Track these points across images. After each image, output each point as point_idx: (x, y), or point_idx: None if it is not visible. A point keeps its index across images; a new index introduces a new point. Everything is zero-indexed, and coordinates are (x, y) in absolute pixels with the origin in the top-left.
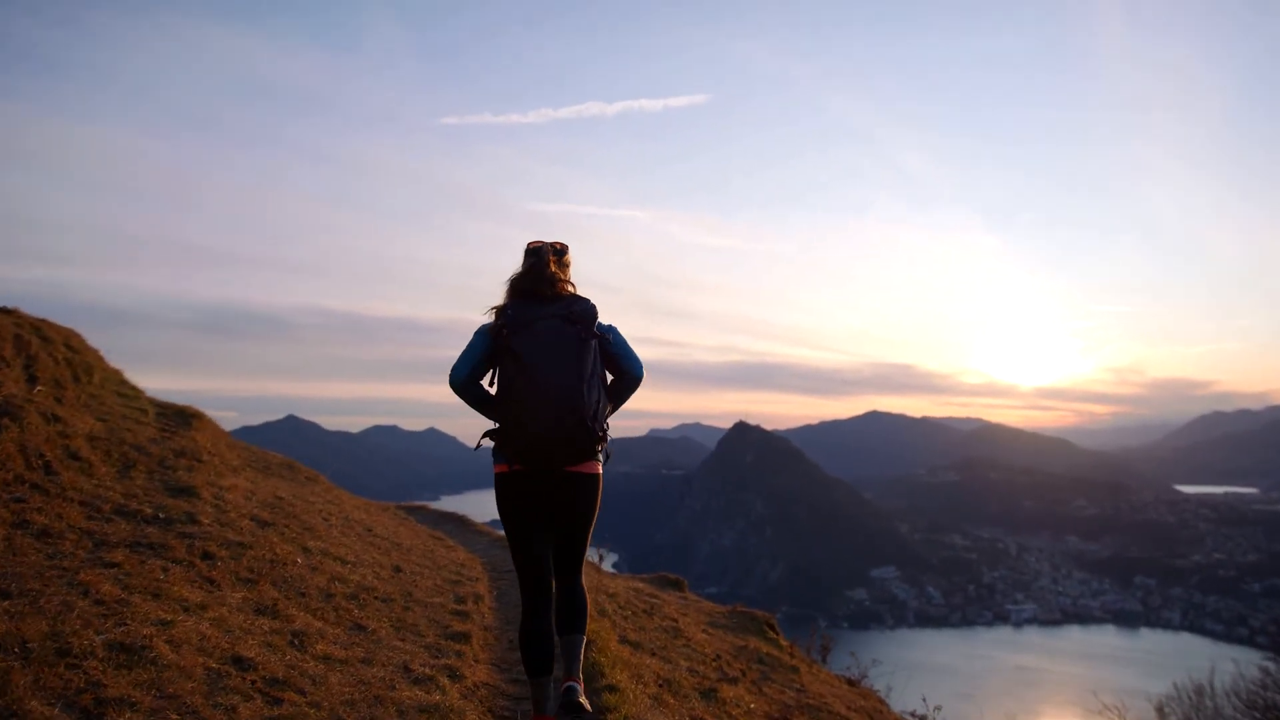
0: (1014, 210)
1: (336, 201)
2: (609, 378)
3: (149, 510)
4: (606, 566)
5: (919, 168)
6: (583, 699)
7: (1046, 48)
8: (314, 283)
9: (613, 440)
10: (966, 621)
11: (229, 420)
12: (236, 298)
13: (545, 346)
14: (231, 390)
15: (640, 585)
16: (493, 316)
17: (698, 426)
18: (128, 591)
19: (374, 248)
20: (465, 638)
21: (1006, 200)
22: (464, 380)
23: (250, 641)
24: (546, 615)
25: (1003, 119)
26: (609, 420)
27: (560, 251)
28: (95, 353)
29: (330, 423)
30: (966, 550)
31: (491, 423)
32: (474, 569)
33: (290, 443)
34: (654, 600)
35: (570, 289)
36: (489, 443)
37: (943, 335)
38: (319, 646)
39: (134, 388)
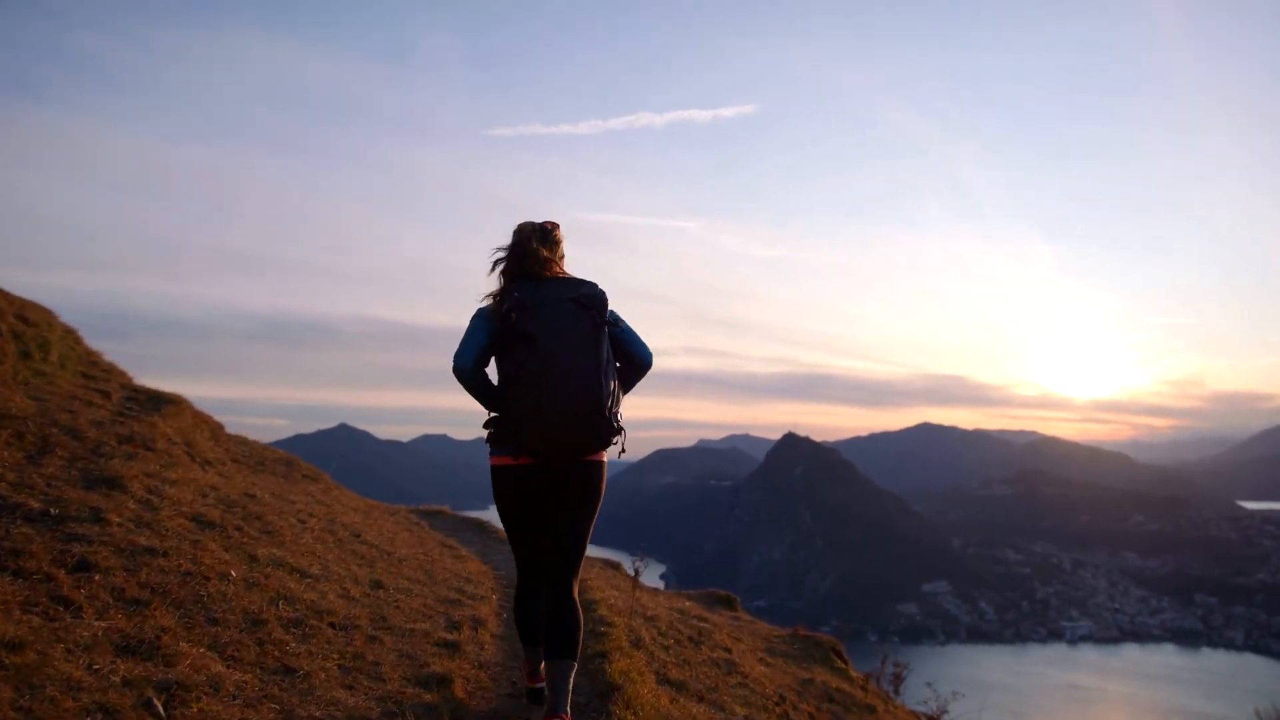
0: (1070, 221)
1: (386, 212)
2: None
3: (36, 505)
4: (651, 580)
5: (973, 179)
6: None
7: (1106, 64)
8: (364, 291)
9: (660, 450)
10: (1020, 638)
11: (282, 429)
12: (289, 307)
13: (560, 331)
14: (286, 399)
15: (686, 605)
16: (490, 301)
17: (746, 437)
18: None
19: (423, 257)
20: (444, 683)
21: (1063, 212)
22: (470, 368)
23: (67, 706)
24: (539, 585)
25: (1060, 132)
26: (620, 409)
27: (546, 231)
28: (64, 329)
29: (381, 431)
30: (1020, 565)
31: (488, 412)
32: (483, 584)
33: (342, 451)
34: (702, 624)
35: (561, 270)
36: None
37: (996, 347)
38: (195, 708)
39: (108, 370)
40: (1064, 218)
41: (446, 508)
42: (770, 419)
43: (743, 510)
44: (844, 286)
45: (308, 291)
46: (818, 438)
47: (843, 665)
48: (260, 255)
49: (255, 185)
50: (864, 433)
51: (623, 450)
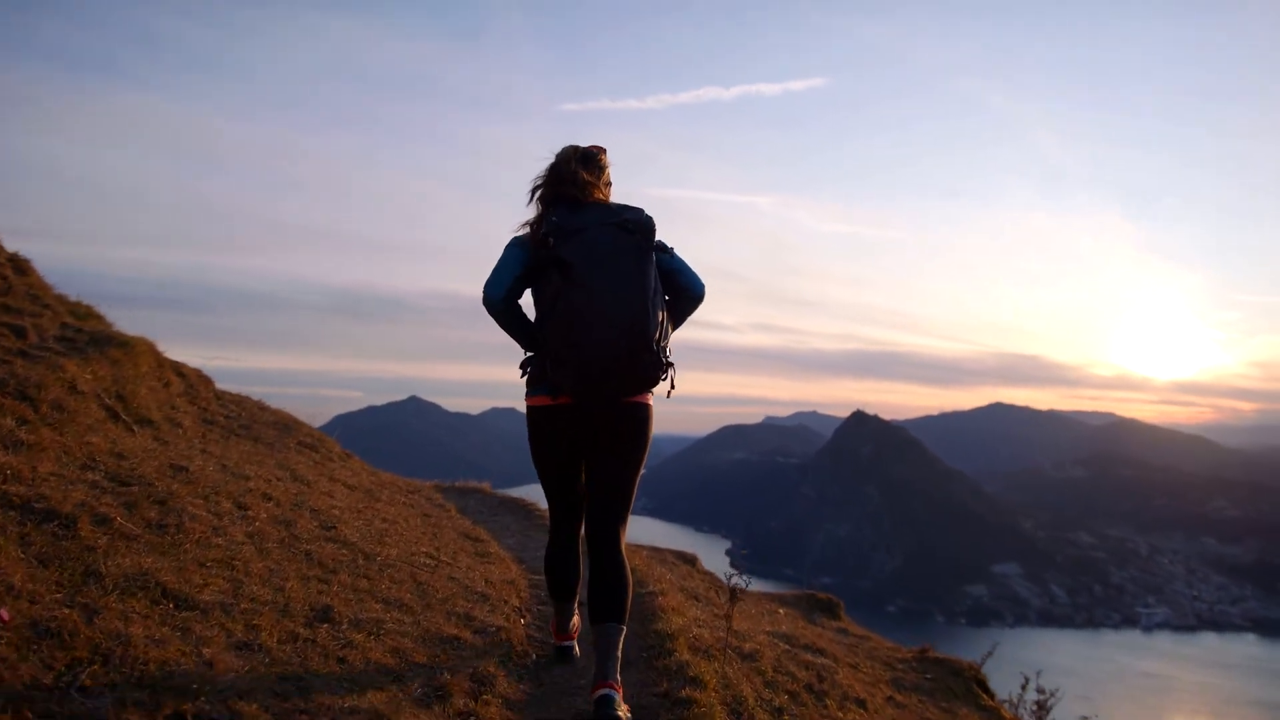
0: (1155, 196)
1: (455, 187)
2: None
3: None
4: (717, 556)
5: (1052, 151)
6: (622, 711)
7: (1192, 29)
8: (434, 266)
9: (727, 426)
10: (1092, 623)
11: (354, 400)
12: (362, 281)
13: (602, 257)
14: (359, 371)
15: (781, 617)
16: (527, 230)
17: (814, 415)
18: None
19: (493, 232)
20: None
21: (1147, 186)
22: (501, 299)
23: None
24: (575, 537)
25: (1144, 101)
26: (669, 344)
27: (589, 154)
28: (5, 256)
29: (451, 404)
30: (1093, 549)
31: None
32: (507, 603)
33: (412, 423)
34: (817, 659)
35: (604, 196)
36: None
37: (1073, 326)
38: None
39: (49, 305)
40: (1149, 194)
41: (486, 485)
42: (838, 396)
43: (810, 487)
44: (915, 263)
45: (379, 266)
46: (886, 416)
47: (991, 702)
48: (333, 230)
49: (328, 161)
50: (934, 412)
51: (672, 388)
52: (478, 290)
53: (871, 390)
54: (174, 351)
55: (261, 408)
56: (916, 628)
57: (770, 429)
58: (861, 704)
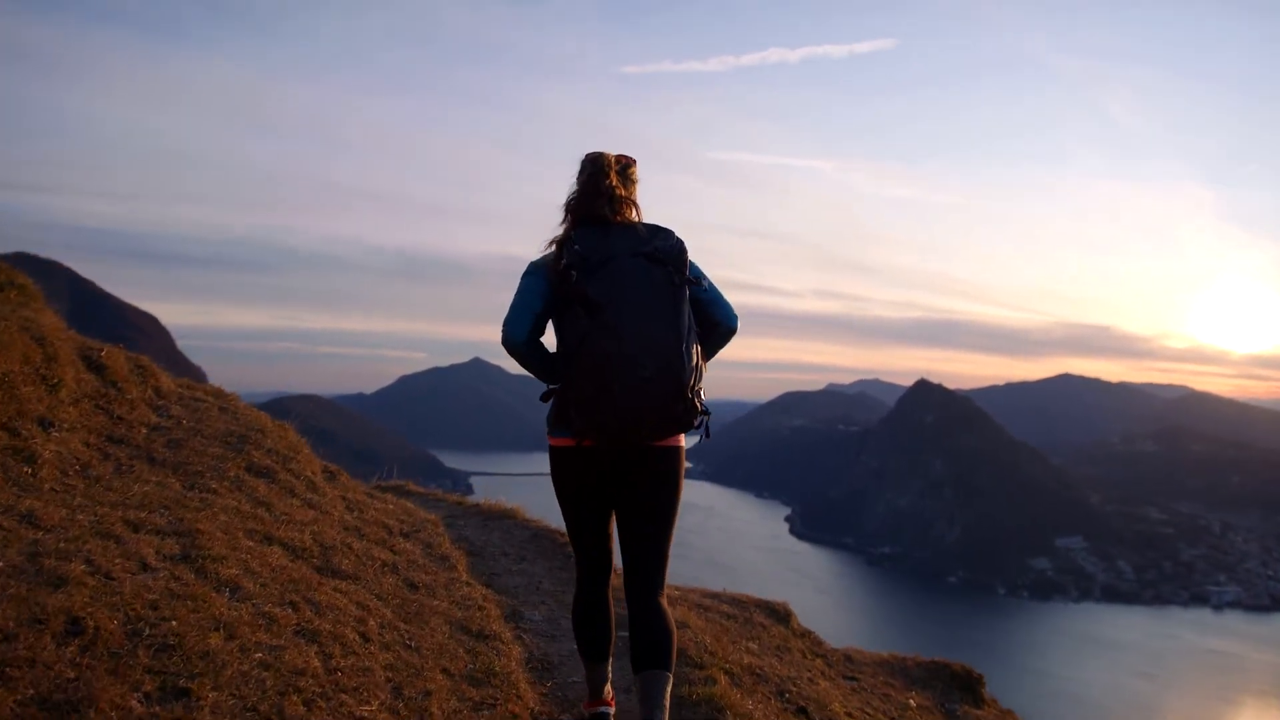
0: (1236, 162)
1: (516, 151)
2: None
3: None
4: (774, 521)
5: (1126, 114)
6: None
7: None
8: (495, 230)
9: (788, 393)
10: (1160, 600)
11: (419, 361)
12: (424, 244)
13: (631, 295)
14: (422, 333)
15: (913, 713)
16: (551, 250)
17: (876, 383)
18: None
19: (554, 197)
20: None
21: (1228, 150)
22: (524, 341)
23: None
24: (604, 588)
25: (1222, 61)
26: (703, 385)
27: (625, 165)
28: None
29: (514, 366)
30: (1163, 525)
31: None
32: None
33: (476, 385)
34: None
35: (634, 212)
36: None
37: (1146, 296)
38: None
39: None
40: (1228, 159)
41: (519, 508)
42: (901, 364)
43: (870, 456)
44: (981, 229)
45: (440, 229)
46: (951, 385)
47: None
48: (393, 193)
49: (390, 125)
50: (1000, 382)
51: (707, 435)
52: (536, 254)
53: (936, 359)
54: (232, 312)
55: (222, 409)
56: (978, 600)
57: (832, 396)
58: None
